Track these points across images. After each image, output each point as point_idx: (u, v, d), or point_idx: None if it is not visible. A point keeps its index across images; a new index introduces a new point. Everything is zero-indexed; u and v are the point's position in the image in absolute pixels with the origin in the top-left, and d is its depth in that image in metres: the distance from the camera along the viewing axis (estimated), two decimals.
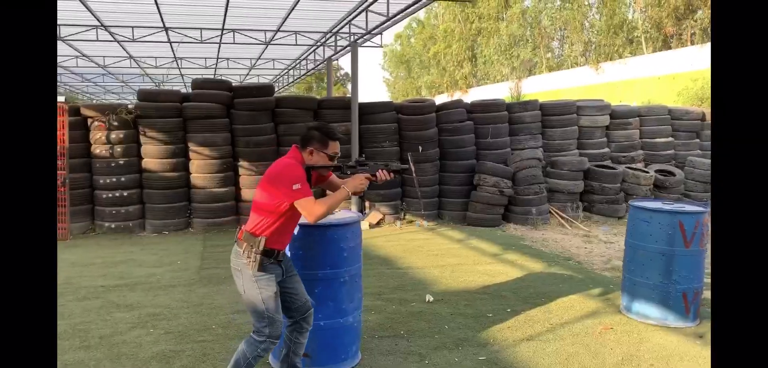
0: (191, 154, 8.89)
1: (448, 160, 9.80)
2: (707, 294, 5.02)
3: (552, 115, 10.40)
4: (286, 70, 22.93)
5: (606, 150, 10.57)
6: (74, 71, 20.37)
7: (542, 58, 34.19)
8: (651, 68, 26.00)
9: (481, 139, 9.97)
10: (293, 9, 9.78)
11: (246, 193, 9.02)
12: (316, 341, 3.48)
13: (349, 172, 3.18)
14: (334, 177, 3.27)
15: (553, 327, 4.56)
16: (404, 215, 9.82)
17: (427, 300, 5.23)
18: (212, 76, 20.31)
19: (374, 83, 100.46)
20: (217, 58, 17.61)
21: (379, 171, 3.16)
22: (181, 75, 22.40)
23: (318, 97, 11.13)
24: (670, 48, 26.48)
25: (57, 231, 6.56)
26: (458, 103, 10.32)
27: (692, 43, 25.29)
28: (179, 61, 18.26)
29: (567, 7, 30.47)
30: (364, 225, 9.21)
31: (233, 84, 9.39)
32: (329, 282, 3.52)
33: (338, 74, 56.52)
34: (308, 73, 21.10)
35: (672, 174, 10.34)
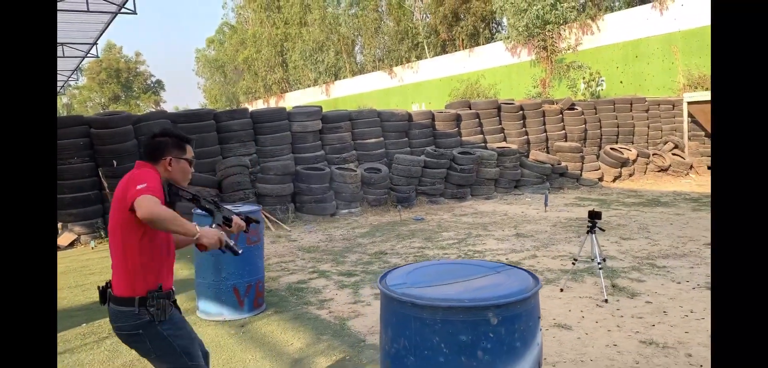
0: None
1: None
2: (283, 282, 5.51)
3: (263, 122, 10.80)
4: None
5: (321, 152, 11.24)
6: None
7: (345, 63, 35.46)
8: (434, 71, 28.32)
9: None
10: None
11: None
12: None
13: (208, 207, 2.70)
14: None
15: (97, 341, 4.67)
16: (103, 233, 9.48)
17: None
18: None
19: (191, 89, 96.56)
20: None
21: (234, 218, 2.71)
22: None
23: None
24: (446, 52, 29.07)
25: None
26: (160, 114, 10.27)
27: (463, 48, 28.02)
28: None
29: (360, 14, 31.93)
30: None
31: None
32: None
33: (150, 81, 53.28)
34: None
35: (379, 170, 11.33)
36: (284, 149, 10.82)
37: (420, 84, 29.12)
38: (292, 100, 38.26)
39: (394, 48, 31.01)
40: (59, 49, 10.62)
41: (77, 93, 50.45)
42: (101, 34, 10.63)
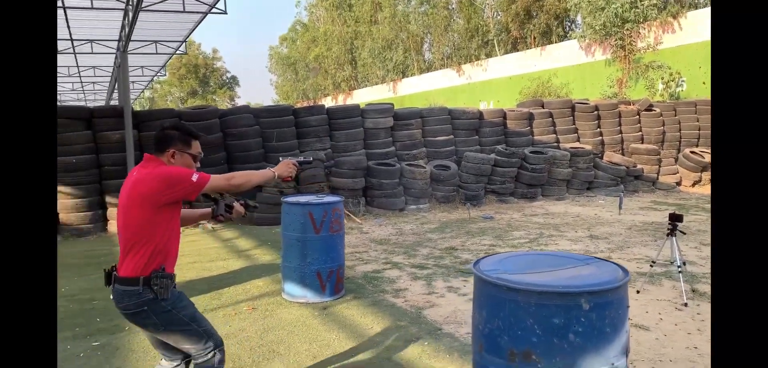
0: None
1: (235, 163, 10.27)
2: (354, 270, 5.79)
3: (338, 118, 11.18)
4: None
5: (391, 149, 11.49)
6: None
7: (413, 60, 35.65)
8: (504, 69, 27.97)
9: (268, 143, 10.54)
10: None
11: None
12: None
13: (213, 196, 2.97)
14: (187, 211, 2.96)
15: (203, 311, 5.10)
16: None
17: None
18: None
19: (264, 85, 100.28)
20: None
21: (235, 204, 3.00)
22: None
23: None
24: (517, 50, 28.63)
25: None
26: (244, 109, 10.84)
27: (535, 46, 27.52)
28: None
29: (430, 11, 32.00)
30: None
31: None
32: None
33: (225, 77, 55.71)
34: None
35: (448, 168, 11.45)
36: (357, 145, 11.16)
37: (488, 82, 28.81)
38: (360, 97, 38.86)
39: (464, 45, 30.85)
40: (152, 46, 11.51)
41: (159, 87, 53.53)
42: (191, 32, 11.42)
